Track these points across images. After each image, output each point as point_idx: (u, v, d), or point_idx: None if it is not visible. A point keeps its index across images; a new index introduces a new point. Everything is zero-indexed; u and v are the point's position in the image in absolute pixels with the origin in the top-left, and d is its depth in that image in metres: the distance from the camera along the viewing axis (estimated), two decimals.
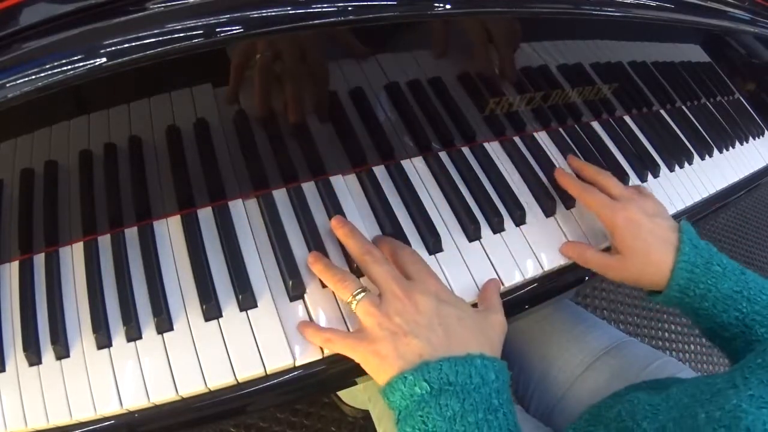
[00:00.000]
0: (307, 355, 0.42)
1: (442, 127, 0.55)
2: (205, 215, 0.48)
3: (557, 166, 0.61)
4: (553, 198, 0.56)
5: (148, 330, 0.42)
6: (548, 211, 0.56)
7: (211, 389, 0.41)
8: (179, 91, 0.40)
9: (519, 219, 0.54)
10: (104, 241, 0.46)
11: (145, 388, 0.40)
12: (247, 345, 0.42)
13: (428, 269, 0.44)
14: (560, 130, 0.64)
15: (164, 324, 0.42)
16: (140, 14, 0.33)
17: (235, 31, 0.34)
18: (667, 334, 1.42)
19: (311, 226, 0.48)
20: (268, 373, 0.42)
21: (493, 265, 0.50)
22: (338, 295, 0.44)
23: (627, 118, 0.71)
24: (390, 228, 0.49)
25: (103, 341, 0.41)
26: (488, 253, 0.51)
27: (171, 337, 0.42)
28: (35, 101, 0.32)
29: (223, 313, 0.43)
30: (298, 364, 0.42)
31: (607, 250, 0.54)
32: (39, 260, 0.45)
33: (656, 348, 0.63)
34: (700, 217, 0.68)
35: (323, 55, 0.43)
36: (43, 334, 0.41)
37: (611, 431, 0.43)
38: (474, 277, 0.49)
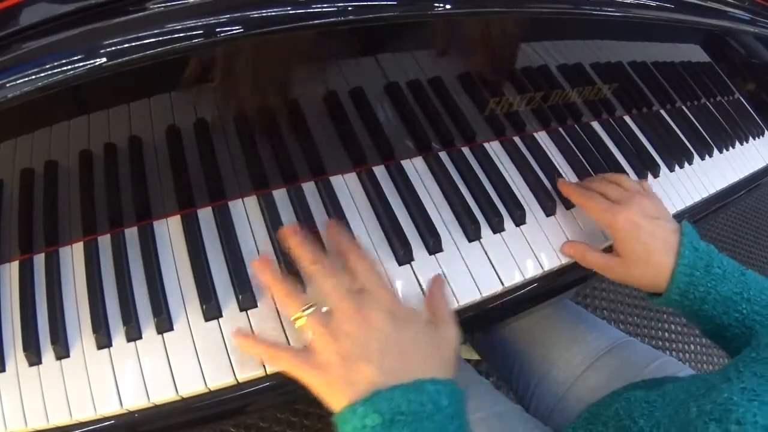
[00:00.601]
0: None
1: (442, 127, 0.55)
2: (205, 215, 0.48)
3: (557, 166, 0.61)
4: (553, 198, 0.57)
5: (148, 330, 0.42)
6: (548, 211, 0.56)
7: (211, 389, 0.41)
8: (179, 91, 0.40)
9: (519, 219, 0.54)
10: (104, 241, 0.46)
11: (145, 388, 0.40)
12: None
13: (381, 279, 0.40)
14: (560, 130, 0.64)
15: (164, 324, 0.42)
16: (140, 14, 0.33)
17: (235, 31, 0.34)
18: (667, 334, 1.43)
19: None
20: (268, 373, 0.41)
21: (492, 265, 0.50)
22: (285, 310, 0.41)
23: (627, 118, 0.71)
24: (390, 228, 0.49)
25: (103, 341, 0.41)
26: (488, 253, 0.51)
27: (171, 337, 0.42)
28: (35, 101, 0.32)
29: (223, 313, 0.43)
30: None
31: (608, 249, 0.54)
32: (39, 260, 0.45)
33: (656, 348, 0.63)
34: (700, 217, 0.68)
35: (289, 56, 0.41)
36: (43, 334, 0.41)
37: (609, 430, 0.43)
38: (474, 277, 0.49)
